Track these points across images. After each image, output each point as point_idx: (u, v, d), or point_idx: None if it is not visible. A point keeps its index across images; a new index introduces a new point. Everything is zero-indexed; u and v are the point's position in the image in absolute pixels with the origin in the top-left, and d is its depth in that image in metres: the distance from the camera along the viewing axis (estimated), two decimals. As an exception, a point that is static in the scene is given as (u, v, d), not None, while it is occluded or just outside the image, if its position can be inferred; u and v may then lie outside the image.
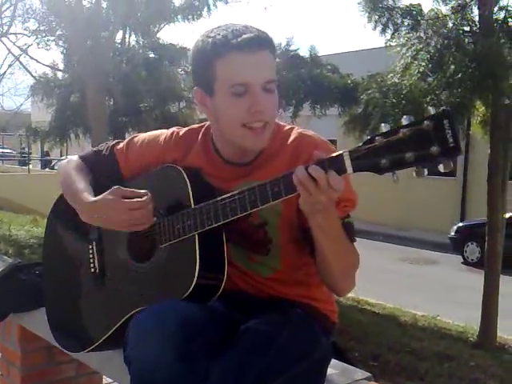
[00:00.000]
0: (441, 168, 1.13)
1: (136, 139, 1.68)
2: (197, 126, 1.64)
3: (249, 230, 1.50)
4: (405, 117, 1.16)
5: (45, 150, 21.46)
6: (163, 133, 1.65)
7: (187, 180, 1.47)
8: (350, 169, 1.20)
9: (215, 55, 1.40)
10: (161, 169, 1.57)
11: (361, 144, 1.19)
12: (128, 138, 1.72)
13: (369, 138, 1.19)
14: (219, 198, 1.39)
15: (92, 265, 1.66)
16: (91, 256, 1.67)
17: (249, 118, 1.41)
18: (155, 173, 1.58)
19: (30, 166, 19.89)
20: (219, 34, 1.40)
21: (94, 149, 1.77)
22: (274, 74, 1.44)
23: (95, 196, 1.54)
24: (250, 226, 1.49)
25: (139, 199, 1.46)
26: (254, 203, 1.32)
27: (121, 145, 1.70)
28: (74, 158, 1.77)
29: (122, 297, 1.58)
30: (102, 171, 1.69)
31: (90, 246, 1.68)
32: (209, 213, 1.39)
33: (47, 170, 21.93)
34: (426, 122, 1.12)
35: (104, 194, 1.50)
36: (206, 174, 1.53)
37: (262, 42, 1.41)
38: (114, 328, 1.57)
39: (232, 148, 1.51)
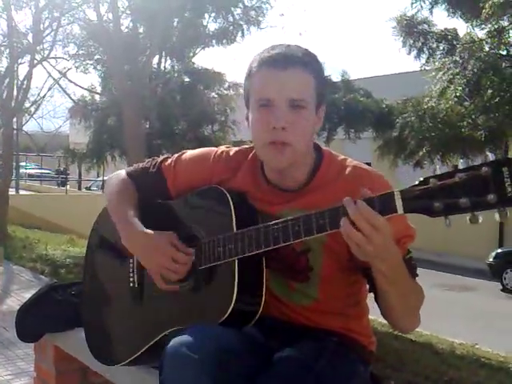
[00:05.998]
0: (496, 217, 1.09)
1: (184, 156, 1.67)
2: (247, 147, 1.63)
3: (290, 257, 1.48)
4: (461, 160, 1.12)
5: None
6: (212, 151, 1.63)
7: (231, 203, 1.47)
8: (400, 209, 1.16)
9: (252, 70, 1.45)
10: (206, 189, 1.57)
11: (414, 185, 1.16)
12: (176, 154, 1.69)
13: (422, 179, 1.15)
14: (262, 225, 1.37)
15: (131, 279, 1.66)
16: (131, 270, 1.66)
17: (270, 134, 1.40)
18: (200, 192, 1.58)
19: (68, 187, 20.28)
20: (262, 52, 1.45)
21: (141, 165, 1.75)
22: (307, 93, 1.41)
23: (141, 218, 1.58)
24: (292, 252, 1.46)
25: (184, 255, 1.48)
26: (298, 234, 1.30)
27: (169, 161, 1.68)
28: (122, 173, 1.76)
29: (158, 314, 1.58)
30: (149, 189, 1.69)
31: (131, 261, 1.67)
32: (251, 239, 1.38)
33: (84, 190, 22.30)
34: (484, 167, 1.08)
35: (156, 232, 1.53)
36: (252, 197, 1.52)
37: (289, 58, 1.39)
38: (148, 345, 1.57)
39: (274, 172, 1.51)
